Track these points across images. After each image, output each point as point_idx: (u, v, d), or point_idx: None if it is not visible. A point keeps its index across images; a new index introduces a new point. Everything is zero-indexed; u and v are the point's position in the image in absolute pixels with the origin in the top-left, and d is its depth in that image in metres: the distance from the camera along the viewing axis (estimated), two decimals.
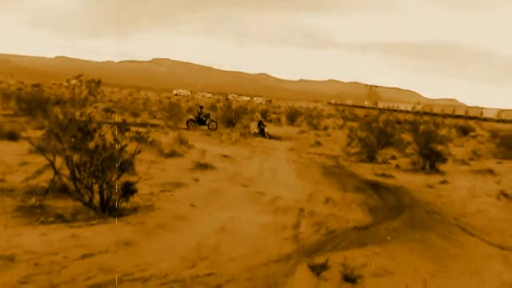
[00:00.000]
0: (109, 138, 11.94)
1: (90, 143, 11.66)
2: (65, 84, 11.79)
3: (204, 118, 38.59)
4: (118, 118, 19.05)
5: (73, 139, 11.49)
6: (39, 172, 14.87)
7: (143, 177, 12.93)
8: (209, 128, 37.79)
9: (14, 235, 9.67)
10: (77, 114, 11.74)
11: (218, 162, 20.65)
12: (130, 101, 77.48)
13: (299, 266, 8.69)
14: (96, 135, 11.72)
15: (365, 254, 9.71)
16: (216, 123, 39.17)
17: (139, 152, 12.44)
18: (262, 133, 36.32)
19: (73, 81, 12.43)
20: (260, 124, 37.36)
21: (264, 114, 59.22)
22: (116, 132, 11.87)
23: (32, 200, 11.70)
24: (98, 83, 11.77)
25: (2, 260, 8.43)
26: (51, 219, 10.78)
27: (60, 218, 10.87)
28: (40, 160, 15.46)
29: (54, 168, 11.50)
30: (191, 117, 39.39)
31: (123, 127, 11.95)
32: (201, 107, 40.83)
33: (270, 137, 36.08)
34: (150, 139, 13.07)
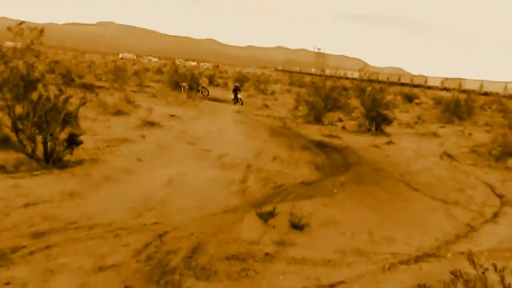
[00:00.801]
0: (53, 90, 11.62)
1: (33, 94, 11.32)
2: (9, 36, 11.15)
3: (195, 86, 39.08)
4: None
5: (15, 89, 11.14)
6: None
7: (88, 132, 12.70)
8: (202, 94, 37.80)
9: None
10: (19, 63, 11.32)
11: (165, 121, 20.42)
12: (74, 64, 75.66)
13: (247, 215, 8.70)
14: (40, 85, 11.38)
15: (313, 205, 9.76)
16: (208, 90, 39.20)
17: (84, 104, 12.14)
18: (236, 98, 35.74)
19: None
20: (235, 90, 36.64)
21: (211, 79, 58.83)
22: (61, 83, 11.56)
23: None
24: (41, 31, 11.32)
25: None
26: None
27: (1, 169, 10.59)
28: None
29: None
30: (184, 84, 39.47)
31: (67, 78, 11.66)
32: (192, 74, 41.97)
33: (242, 103, 35.57)
34: (96, 91, 12.76)
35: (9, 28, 11.01)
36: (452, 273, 5.31)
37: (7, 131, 11.39)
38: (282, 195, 10.89)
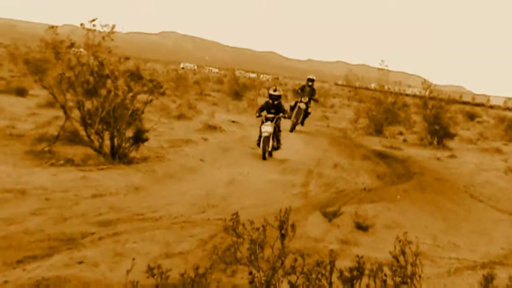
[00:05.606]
0: (121, 86, 11.90)
1: (102, 89, 11.59)
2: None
3: None
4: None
5: (85, 85, 11.43)
6: (48, 123, 14.86)
7: (152, 132, 12.94)
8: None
9: (24, 174, 9.70)
10: (90, 59, 11.61)
11: (226, 126, 20.62)
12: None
13: (311, 214, 8.71)
14: (109, 81, 11.65)
15: (376, 208, 9.71)
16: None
17: (151, 101, 12.40)
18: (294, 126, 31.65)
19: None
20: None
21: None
22: (129, 80, 11.81)
23: (42, 145, 11.69)
24: (113, 28, 11.57)
25: (13, 193, 8.47)
26: (61, 162, 10.82)
27: (70, 162, 10.93)
28: (49, 113, 15.53)
29: (65, 111, 11.46)
30: None
31: (135, 75, 11.89)
32: None
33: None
34: (162, 90, 12.99)
35: (82, 24, 11.26)
36: None
37: (77, 125, 11.67)
38: (345, 199, 10.84)
